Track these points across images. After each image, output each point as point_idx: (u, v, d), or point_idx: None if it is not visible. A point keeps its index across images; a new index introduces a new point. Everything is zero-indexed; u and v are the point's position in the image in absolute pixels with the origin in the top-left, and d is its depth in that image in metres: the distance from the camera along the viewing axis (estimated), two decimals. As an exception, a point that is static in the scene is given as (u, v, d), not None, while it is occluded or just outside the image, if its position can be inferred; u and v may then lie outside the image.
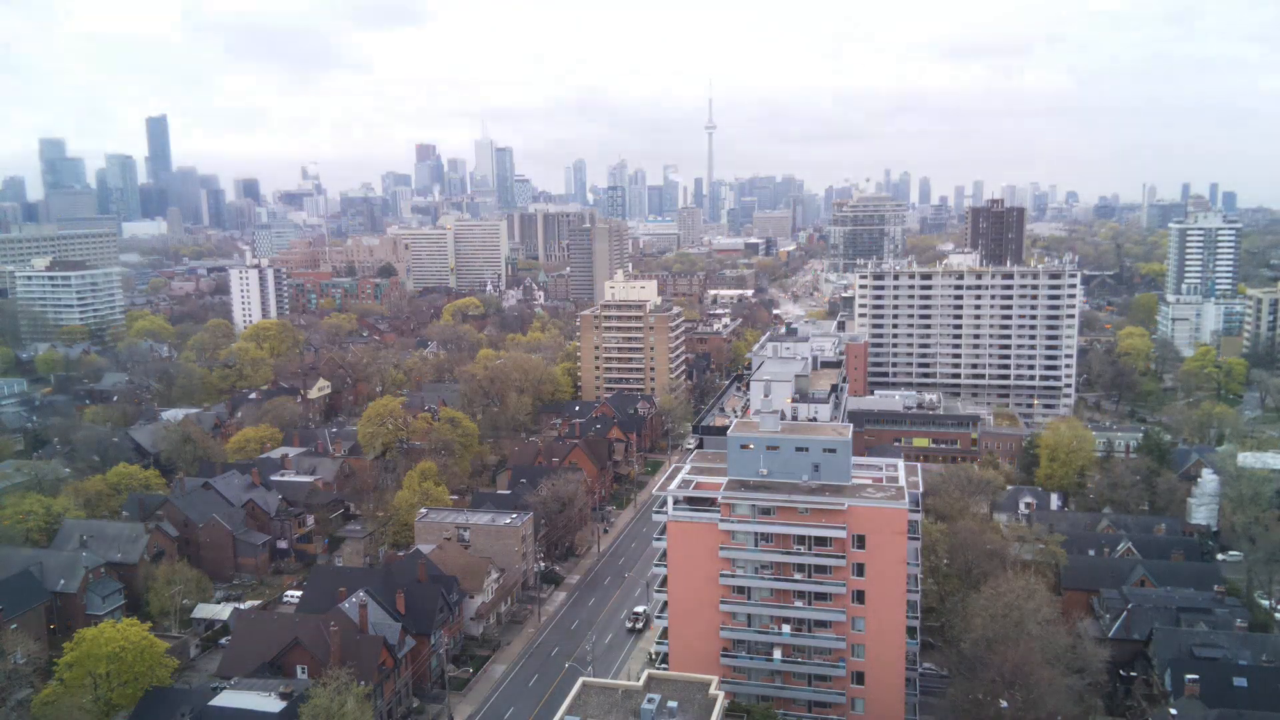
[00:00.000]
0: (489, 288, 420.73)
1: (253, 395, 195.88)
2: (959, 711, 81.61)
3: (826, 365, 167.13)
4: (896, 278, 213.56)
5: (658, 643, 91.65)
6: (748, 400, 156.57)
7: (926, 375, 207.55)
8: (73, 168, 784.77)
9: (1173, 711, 75.34)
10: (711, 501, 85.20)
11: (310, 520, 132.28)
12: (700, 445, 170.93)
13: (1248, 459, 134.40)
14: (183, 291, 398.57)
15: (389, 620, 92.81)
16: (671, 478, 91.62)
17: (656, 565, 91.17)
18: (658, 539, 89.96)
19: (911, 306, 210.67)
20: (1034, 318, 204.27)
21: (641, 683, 67.43)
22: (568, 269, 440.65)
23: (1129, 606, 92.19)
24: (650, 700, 62.88)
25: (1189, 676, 76.49)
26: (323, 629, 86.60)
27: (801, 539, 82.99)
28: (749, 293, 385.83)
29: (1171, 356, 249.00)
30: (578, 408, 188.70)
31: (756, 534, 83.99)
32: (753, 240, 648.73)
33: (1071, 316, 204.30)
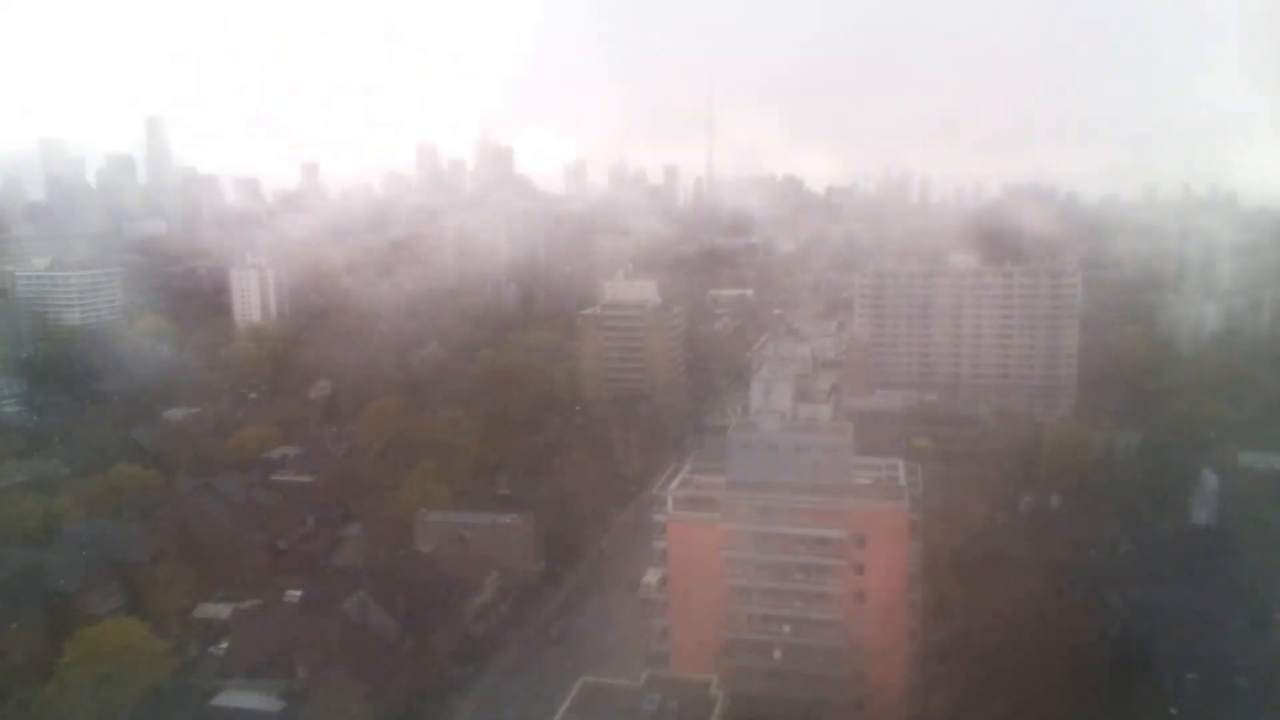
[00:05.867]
0: (489, 288, 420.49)
1: (253, 395, 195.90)
2: (959, 713, 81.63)
3: (826, 365, 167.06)
4: (896, 277, 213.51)
5: (658, 643, 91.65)
6: (748, 400, 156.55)
7: (926, 375, 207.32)
8: (73, 168, 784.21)
9: (1173, 711, 75.36)
10: (712, 502, 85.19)
11: (310, 520, 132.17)
12: (700, 445, 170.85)
13: (1248, 459, 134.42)
14: (183, 291, 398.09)
15: (389, 620, 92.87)
16: (671, 478, 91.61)
17: (656, 566, 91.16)
18: (657, 540, 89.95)
19: (911, 306, 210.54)
20: (1034, 317, 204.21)
21: (641, 683, 67.51)
22: (568, 269, 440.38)
23: (1129, 606, 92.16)
24: (650, 700, 62.97)
25: (1189, 676, 76.51)
26: (323, 629, 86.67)
27: (802, 539, 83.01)
28: (749, 292, 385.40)
29: (1172, 356, 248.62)
30: (578, 407, 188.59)
31: (757, 534, 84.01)
32: (753, 240, 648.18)
33: (1072, 316, 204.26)
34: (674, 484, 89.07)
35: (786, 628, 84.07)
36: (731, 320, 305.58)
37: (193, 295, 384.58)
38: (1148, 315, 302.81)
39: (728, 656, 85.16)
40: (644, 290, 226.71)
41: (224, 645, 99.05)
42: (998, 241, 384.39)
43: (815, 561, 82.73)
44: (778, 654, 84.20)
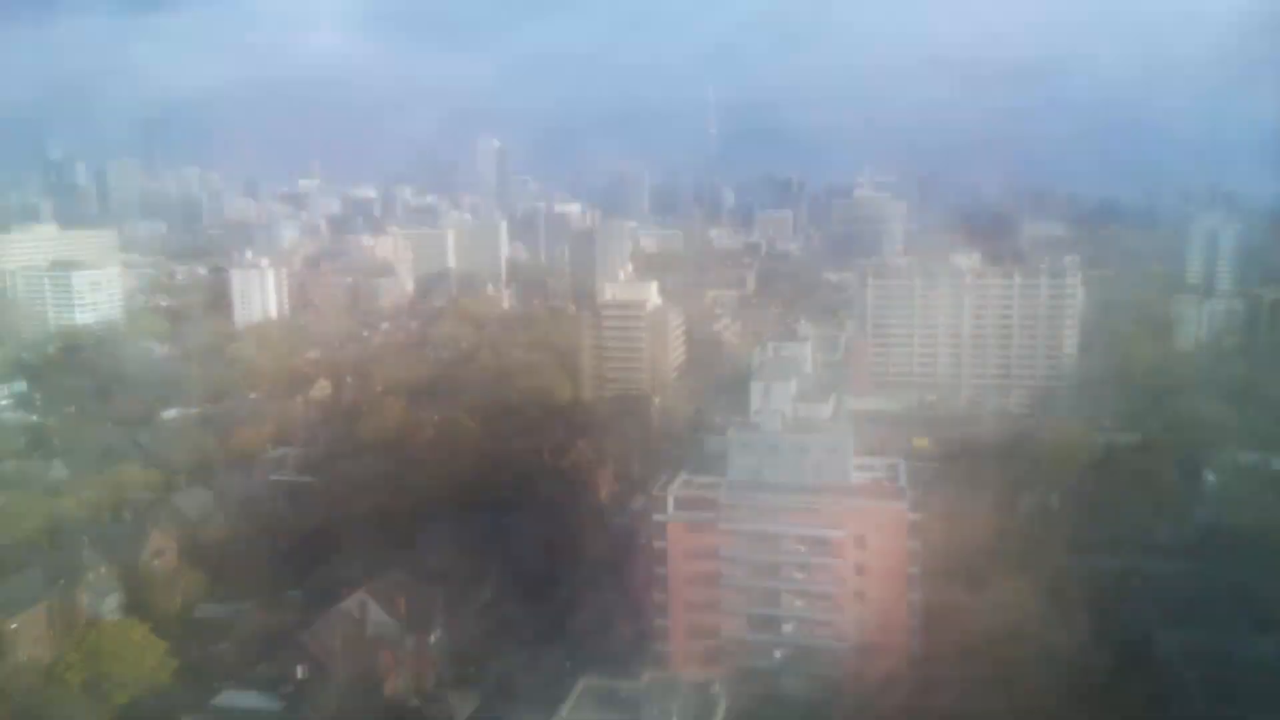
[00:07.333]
0: (489, 288, 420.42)
1: (253, 395, 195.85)
2: (959, 713, 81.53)
3: (826, 365, 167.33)
4: (897, 278, 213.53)
5: (658, 643, 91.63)
6: (748, 400, 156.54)
7: (926, 375, 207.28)
8: (73, 168, 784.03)
9: (1173, 712, 75.42)
10: (712, 502, 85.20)
11: (310, 520, 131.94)
12: (700, 445, 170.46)
13: (1248, 459, 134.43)
14: (182, 291, 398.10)
15: (389, 620, 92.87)
16: (671, 478, 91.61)
17: (656, 567, 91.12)
18: (658, 540, 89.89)
19: (911, 306, 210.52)
20: (1034, 318, 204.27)
21: (642, 683, 67.52)
22: (568, 269, 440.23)
23: (1130, 606, 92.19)
24: (650, 700, 62.99)
25: (1189, 676, 76.57)
26: (323, 629, 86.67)
27: (802, 539, 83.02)
28: (749, 292, 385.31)
29: (1172, 356, 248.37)
30: (578, 408, 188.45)
31: (756, 534, 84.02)
32: (753, 240, 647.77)
33: (1072, 316, 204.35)
34: (674, 484, 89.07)
35: (786, 628, 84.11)
36: (731, 320, 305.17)
37: (192, 295, 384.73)
38: (1148, 315, 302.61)
39: (728, 656, 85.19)
40: (644, 290, 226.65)
41: (224, 645, 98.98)
42: (998, 241, 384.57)
43: (815, 561, 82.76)
44: (778, 654, 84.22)
